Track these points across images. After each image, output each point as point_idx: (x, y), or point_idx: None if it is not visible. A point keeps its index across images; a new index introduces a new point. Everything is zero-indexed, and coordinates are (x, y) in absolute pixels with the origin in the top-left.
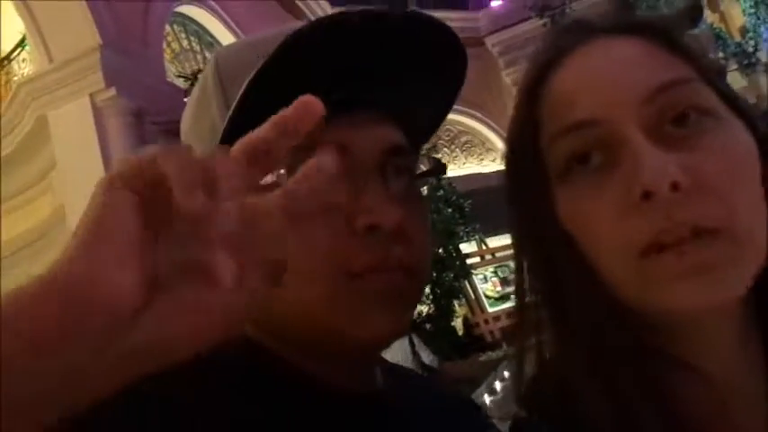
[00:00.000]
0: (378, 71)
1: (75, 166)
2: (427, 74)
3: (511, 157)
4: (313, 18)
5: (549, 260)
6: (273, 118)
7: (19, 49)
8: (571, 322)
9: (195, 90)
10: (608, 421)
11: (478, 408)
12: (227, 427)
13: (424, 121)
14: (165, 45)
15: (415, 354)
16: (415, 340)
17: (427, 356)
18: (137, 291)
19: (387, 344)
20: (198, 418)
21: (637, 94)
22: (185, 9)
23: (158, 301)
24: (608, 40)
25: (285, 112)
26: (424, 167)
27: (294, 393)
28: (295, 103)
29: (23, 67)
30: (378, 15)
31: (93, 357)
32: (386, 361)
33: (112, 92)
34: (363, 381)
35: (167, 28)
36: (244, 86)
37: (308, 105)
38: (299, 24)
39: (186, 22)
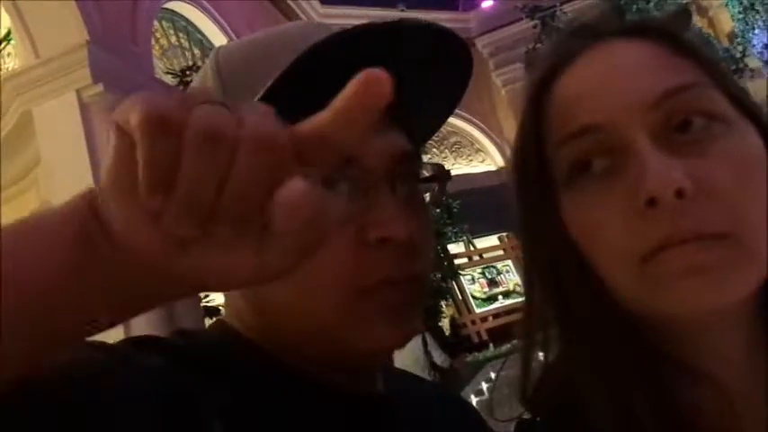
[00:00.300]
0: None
1: (61, 162)
2: (431, 78)
3: (517, 163)
4: (303, 16)
5: (553, 265)
6: (335, 103)
7: (4, 44)
8: (575, 325)
9: (193, 86)
10: (611, 424)
11: (479, 414)
12: (226, 427)
13: (426, 124)
14: (153, 41)
15: (427, 353)
16: (429, 339)
17: (439, 356)
18: (158, 239)
19: (391, 352)
20: (196, 419)
21: (643, 99)
22: (174, 5)
23: (202, 239)
24: (613, 43)
25: (346, 95)
26: (426, 173)
27: (294, 393)
28: (356, 80)
29: (8, 61)
30: (384, 27)
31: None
32: (388, 364)
33: (100, 88)
34: (364, 382)
35: (155, 24)
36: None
37: (375, 81)
38: (295, 26)
39: (175, 18)
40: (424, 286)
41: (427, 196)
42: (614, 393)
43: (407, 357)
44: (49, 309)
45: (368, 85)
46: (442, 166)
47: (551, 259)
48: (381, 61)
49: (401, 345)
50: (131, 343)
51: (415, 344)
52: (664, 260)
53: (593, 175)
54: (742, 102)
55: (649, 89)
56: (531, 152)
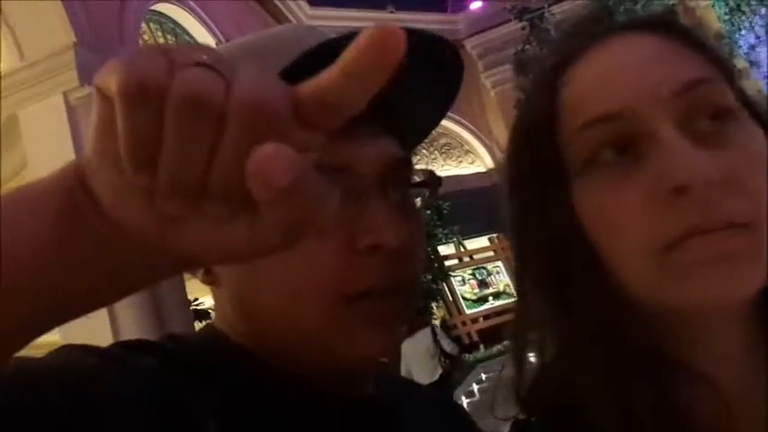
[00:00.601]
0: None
1: (48, 166)
2: (422, 83)
3: (521, 150)
4: (291, 18)
5: (559, 257)
6: (342, 59)
7: None
8: (577, 323)
9: None
10: (614, 425)
11: (471, 417)
12: (220, 428)
13: (417, 129)
14: (141, 43)
15: (436, 342)
16: (437, 330)
17: (448, 345)
18: (148, 215)
19: (380, 360)
20: (191, 418)
21: (668, 87)
22: (161, 7)
23: (193, 215)
24: (626, 36)
25: (355, 50)
26: (417, 178)
27: (284, 397)
28: (366, 35)
29: None
30: None
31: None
32: (383, 368)
33: (87, 90)
34: (356, 387)
35: (143, 26)
36: None
37: (388, 35)
38: (287, 29)
39: (162, 19)
40: (415, 292)
41: (418, 201)
42: (617, 394)
43: (419, 346)
44: (38, 284)
45: (380, 39)
46: (433, 172)
47: (556, 252)
48: None
49: (387, 353)
50: (122, 346)
51: (425, 334)
52: (690, 247)
53: (611, 162)
54: (746, 99)
55: (672, 78)
56: (541, 138)
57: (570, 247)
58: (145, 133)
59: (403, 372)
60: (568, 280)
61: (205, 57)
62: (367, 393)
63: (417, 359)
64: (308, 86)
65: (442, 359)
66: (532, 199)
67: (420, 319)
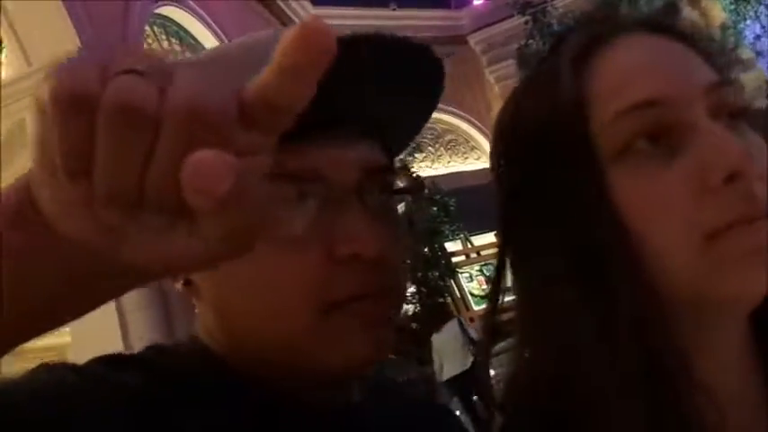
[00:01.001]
0: (356, 89)
1: None
2: (403, 87)
3: (540, 140)
4: (295, 18)
5: (589, 246)
6: (274, 60)
7: None
8: (617, 312)
9: None
10: (643, 426)
11: (460, 420)
12: None
13: (400, 132)
14: (145, 46)
15: (464, 331)
16: (462, 320)
17: (474, 333)
18: (91, 226)
19: (368, 369)
20: None
21: (704, 80)
22: (165, 10)
23: (135, 224)
24: (641, 35)
25: (284, 51)
26: (400, 183)
27: (266, 408)
28: (291, 31)
29: (0, 71)
30: (354, 40)
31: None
32: (376, 374)
33: None
34: (338, 396)
35: (147, 29)
36: None
37: (314, 32)
38: (278, 30)
39: (166, 23)
40: (398, 301)
41: (401, 206)
42: (646, 397)
43: (448, 338)
44: (2, 296)
45: (304, 35)
46: (416, 178)
47: (586, 239)
48: (354, 75)
49: (374, 359)
50: (103, 362)
51: (452, 326)
52: (734, 237)
53: (646, 152)
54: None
55: (705, 74)
56: (570, 123)
57: (604, 235)
58: (78, 143)
59: (436, 365)
60: (600, 269)
61: (139, 64)
62: (350, 403)
63: (448, 351)
64: (250, 87)
65: (472, 347)
66: (570, 184)
67: (445, 314)
